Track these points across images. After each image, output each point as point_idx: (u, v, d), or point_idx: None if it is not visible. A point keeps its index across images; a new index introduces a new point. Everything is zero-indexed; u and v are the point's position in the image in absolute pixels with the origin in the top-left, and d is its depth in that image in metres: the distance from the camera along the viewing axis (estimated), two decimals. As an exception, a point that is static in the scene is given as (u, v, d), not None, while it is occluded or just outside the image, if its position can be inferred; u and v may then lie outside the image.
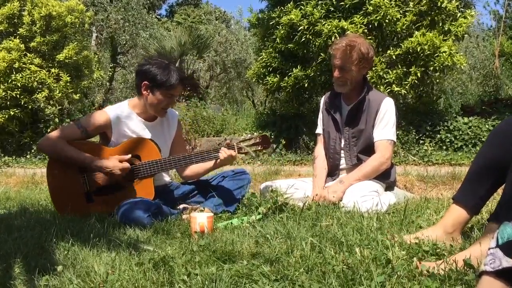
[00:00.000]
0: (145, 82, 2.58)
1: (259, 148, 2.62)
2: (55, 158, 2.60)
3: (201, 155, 2.58)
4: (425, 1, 6.23)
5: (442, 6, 6.21)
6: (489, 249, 1.00)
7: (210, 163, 2.66)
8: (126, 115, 2.64)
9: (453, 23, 6.36)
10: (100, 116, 2.60)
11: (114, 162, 2.49)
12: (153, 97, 2.59)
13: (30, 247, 1.85)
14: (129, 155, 2.53)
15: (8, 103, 7.77)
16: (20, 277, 1.53)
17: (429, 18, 6.32)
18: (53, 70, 7.98)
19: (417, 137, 6.53)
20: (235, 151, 2.56)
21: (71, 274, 1.51)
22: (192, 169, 2.77)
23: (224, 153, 2.54)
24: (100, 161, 2.49)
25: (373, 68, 6.12)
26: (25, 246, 1.87)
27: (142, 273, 1.47)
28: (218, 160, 2.57)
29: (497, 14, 12.44)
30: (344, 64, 2.68)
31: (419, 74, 6.10)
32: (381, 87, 6.08)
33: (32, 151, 7.83)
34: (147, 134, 2.67)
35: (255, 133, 2.66)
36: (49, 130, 7.76)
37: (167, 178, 2.86)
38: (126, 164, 2.50)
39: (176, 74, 2.57)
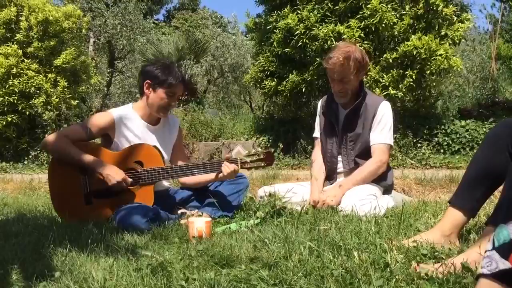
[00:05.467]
0: (148, 80, 2.63)
1: (263, 164, 2.66)
2: (57, 157, 2.58)
3: (203, 166, 2.62)
4: (421, 5, 6.25)
5: (439, 10, 6.24)
6: (485, 251, 1.00)
7: (211, 175, 2.67)
8: (129, 117, 2.67)
9: (449, 27, 6.39)
10: (104, 117, 2.63)
11: (116, 171, 2.46)
12: (155, 95, 2.62)
13: (28, 253, 1.84)
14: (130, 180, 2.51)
15: (6, 108, 7.77)
16: (18, 284, 1.53)
17: (425, 22, 6.35)
18: (50, 75, 7.98)
19: (414, 141, 6.54)
20: (237, 165, 2.59)
21: (69, 280, 1.50)
22: (193, 179, 2.77)
23: (226, 167, 2.56)
24: (102, 167, 2.46)
25: (368, 72, 6.13)
26: (23, 252, 1.86)
27: (140, 279, 1.47)
28: (220, 173, 2.59)
29: (493, 18, 12.51)
30: (344, 76, 2.67)
31: (414, 77, 6.11)
32: (377, 90, 6.10)
33: (30, 157, 7.82)
34: (149, 137, 2.69)
35: (259, 149, 2.70)
36: (46, 136, 7.74)
37: (166, 183, 2.87)
38: (127, 179, 2.47)
39: (177, 73, 2.64)
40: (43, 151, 7.60)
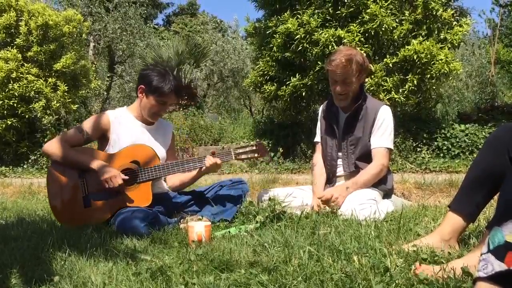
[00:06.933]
0: (142, 85, 2.70)
1: (256, 155, 2.70)
2: (59, 161, 2.60)
3: (198, 160, 2.66)
4: (420, 10, 6.27)
5: (438, 14, 6.26)
6: (481, 254, 1.00)
7: (194, 172, 2.73)
8: (125, 117, 2.74)
9: (449, 31, 6.41)
10: (99, 117, 2.70)
11: (114, 172, 2.50)
12: (146, 100, 2.70)
13: (27, 258, 1.84)
14: (126, 177, 2.54)
15: (5, 112, 7.78)
16: (17, 288, 1.52)
17: (425, 27, 6.37)
18: (50, 79, 7.98)
19: (414, 145, 6.54)
20: (231, 156, 2.66)
21: (68, 284, 1.50)
22: (179, 178, 2.83)
23: (209, 160, 2.62)
24: (102, 167, 2.50)
25: (372, 76, 6.15)
26: (22, 256, 1.86)
27: (140, 283, 1.47)
28: (204, 167, 2.64)
29: (492, 22, 12.54)
30: (346, 78, 2.69)
31: (415, 81, 6.13)
32: (381, 94, 6.11)
33: (29, 161, 7.82)
34: (145, 136, 2.74)
35: (251, 142, 2.74)
36: (46, 140, 7.75)
37: (165, 185, 2.89)
38: (121, 179, 2.50)
39: (171, 83, 2.67)
40: (43, 156, 7.64)
